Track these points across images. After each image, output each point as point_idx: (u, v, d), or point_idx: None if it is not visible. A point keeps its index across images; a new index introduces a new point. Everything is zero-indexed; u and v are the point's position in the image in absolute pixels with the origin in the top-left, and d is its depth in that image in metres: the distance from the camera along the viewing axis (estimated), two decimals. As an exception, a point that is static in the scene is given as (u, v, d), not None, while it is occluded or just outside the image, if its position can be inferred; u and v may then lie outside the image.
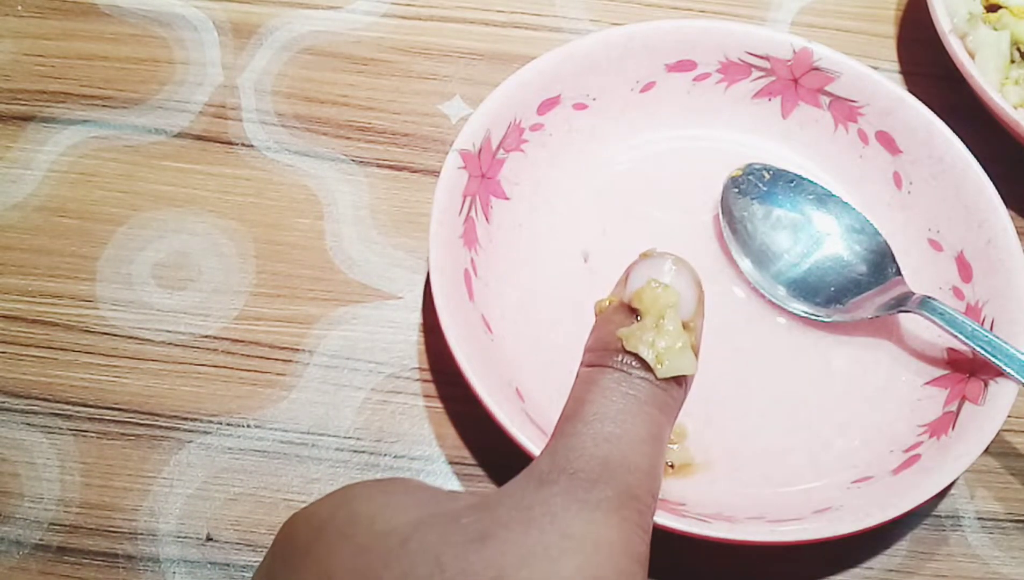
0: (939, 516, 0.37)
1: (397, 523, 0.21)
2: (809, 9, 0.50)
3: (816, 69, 0.43)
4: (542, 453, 0.23)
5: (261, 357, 0.38)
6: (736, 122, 0.44)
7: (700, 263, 0.25)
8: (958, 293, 0.39)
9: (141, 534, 0.35)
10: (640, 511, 0.22)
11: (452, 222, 0.38)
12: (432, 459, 0.37)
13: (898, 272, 0.40)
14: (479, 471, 0.37)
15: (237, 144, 0.44)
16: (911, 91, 0.42)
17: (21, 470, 0.36)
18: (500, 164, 0.40)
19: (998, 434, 0.35)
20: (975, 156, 0.40)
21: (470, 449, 0.37)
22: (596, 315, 0.25)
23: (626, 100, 0.43)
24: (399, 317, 0.40)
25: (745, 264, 0.40)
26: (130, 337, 0.39)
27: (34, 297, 0.39)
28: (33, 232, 0.41)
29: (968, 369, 0.37)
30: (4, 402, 0.37)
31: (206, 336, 0.39)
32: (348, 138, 0.44)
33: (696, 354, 0.24)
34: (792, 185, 0.41)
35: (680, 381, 0.23)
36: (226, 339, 0.39)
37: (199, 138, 0.44)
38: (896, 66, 0.49)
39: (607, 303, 0.24)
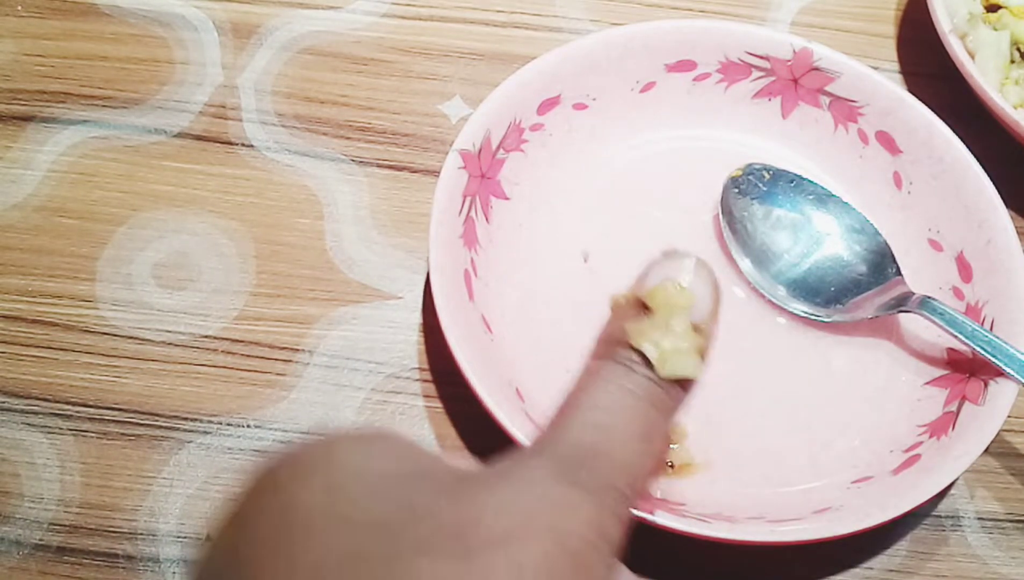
0: (939, 516, 0.37)
1: (373, 473, 0.22)
2: (809, 9, 0.50)
3: (816, 69, 0.43)
4: (535, 438, 0.23)
5: (261, 357, 0.38)
6: (736, 122, 0.44)
7: (700, 263, 0.25)
8: (958, 293, 0.39)
9: (141, 534, 0.35)
10: (617, 500, 0.21)
11: (452, 222, 0.38)
12: (432, 459, 0.37)
13: (898, 272, 0.40)
14: (479, 471, 0.37)
15: (237, 144, 0.44)
16: (911, 91, 0.42)
17: (21, 470, 0.36)
18: (500, 164, 0.40)
19: (998, 434, 0.35)
20: (975, 156, 0.40)
21: (470, 449, 0.37)
22: (611, 309, 0.25)
23: (626, 100, 0.43)
24: (399, 317, 0.40)
25: (745, 264, 0.40)
26: (130, 337, 0.39)
27: (34, 297, 0.39)
28: (33, 232, 0.41)
29: (968, 369, 0.37)
30: (4, 402, 0.37)
31: (206, 336, 0.39)
32: (348, 138, 0.44)
33: (704, 359, 0.24)
34: (792, 185, 0.41)
35: (682, 383, 0.23)
36: (226, 339, 0.39)
37: (199, 138, 0.44)
38: (896, 66, 0.49)
39: (623, 298, 0.24)
